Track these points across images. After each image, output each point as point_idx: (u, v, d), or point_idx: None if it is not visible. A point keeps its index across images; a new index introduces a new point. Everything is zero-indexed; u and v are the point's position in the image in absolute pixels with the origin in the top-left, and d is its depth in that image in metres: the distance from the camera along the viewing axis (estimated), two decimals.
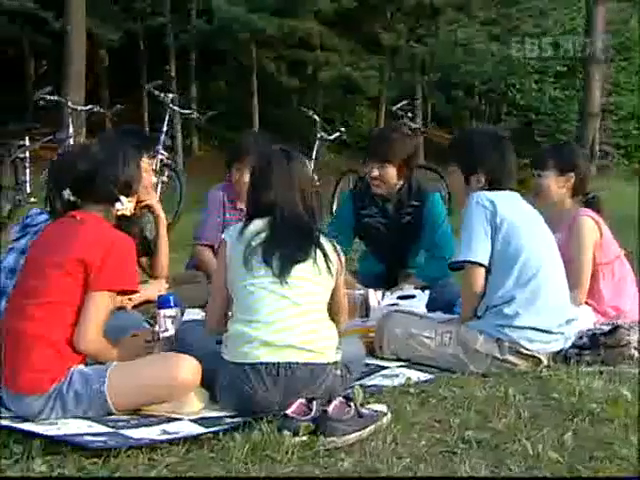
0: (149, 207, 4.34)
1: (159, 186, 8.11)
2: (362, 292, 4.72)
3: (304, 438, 2.82)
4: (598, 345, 3.89)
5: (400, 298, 4.68)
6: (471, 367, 3.73)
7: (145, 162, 4.08)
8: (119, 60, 18.35)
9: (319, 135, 8.92)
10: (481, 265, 3.78)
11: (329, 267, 3.34)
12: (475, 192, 3.90)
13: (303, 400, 3.00)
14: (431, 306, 4.47)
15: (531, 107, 20.89)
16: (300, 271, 3.28)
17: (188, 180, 8.33)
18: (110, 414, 3.10)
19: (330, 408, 2.93)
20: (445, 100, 20.37)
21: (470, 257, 3.79)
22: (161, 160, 8.10)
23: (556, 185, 4.52)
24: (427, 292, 4.60)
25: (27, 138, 8.06)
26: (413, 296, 4.70)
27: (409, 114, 9.30)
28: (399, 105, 9.34)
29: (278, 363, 3.15)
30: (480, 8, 18.87)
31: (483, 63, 17.89)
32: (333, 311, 3.41)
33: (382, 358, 3.96)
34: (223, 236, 3.49)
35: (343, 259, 3.48)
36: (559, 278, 3.90)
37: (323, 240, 3.39)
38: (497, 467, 2.62)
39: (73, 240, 3.26)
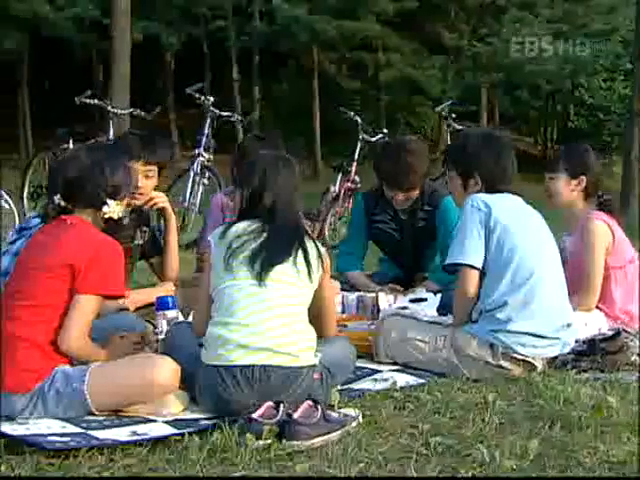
0: (162, 209, 4.41)
1: (200, 188, 8.20)
2: (373, 295, 4.73)
3: (268, 441, 2.82)
4: (596, 351, 3.81)
5: (412, 301, 4.67)
6: (464, 372, 3.69)
7: (141, 166, 4.17)
8: (184, 64, 18.61)
9: (361, 137, 8.93)
10: (474, 268, 3.74)
11: (309, 270, 3.34)
12: (472, 195, 3.87)
13: (271, 403, 3.01)
14: (442, 310, 4.43)
15: (600, 106, 20.56)
16: (279, 273, 3.29)
17: None
18: (90, 414, 3.15)
19: (297, 412, 2.94)
20: (510, 100, 20.14)
21: (462, 259, 3.76)
22: (201, 162, 8.19)
23: (567, 188, 4.44)
24: (439, 295, 4.57)
25: (71, 141, 8.24)
26: (425, 299, 4.68)
27: (452, 115, 9.23)
28: (442, 106, 9.28)
29: (253, 366, 3.16)
30: (545, 6, 18.62)
31: (547, 62, 17.59)
32: (314, 315, 3.41)
33: (379, 362, 3.95)
34: (209, 239, 3.53)
35: (328, 264, 3.48)
36: (556, 282, 3.83)
37: (308, 244, 3.39)
38: (448, 473, 2.59)
39: (61, 243, 3.31)
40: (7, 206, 7.26)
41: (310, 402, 3.01)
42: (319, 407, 2.98)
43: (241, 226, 3.40)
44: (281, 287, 3.28)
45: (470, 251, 3.75)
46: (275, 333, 3.21)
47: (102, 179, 3.40)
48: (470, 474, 2.57)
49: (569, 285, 4.29)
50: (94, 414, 3.15)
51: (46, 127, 16.02)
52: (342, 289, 4.91)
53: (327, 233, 8.66)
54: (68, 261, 3.24)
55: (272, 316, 3.23)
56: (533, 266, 3.73)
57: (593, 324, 4.20)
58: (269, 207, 3.40)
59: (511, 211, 3.84)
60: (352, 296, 4.78)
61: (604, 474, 2.56)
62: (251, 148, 4.79)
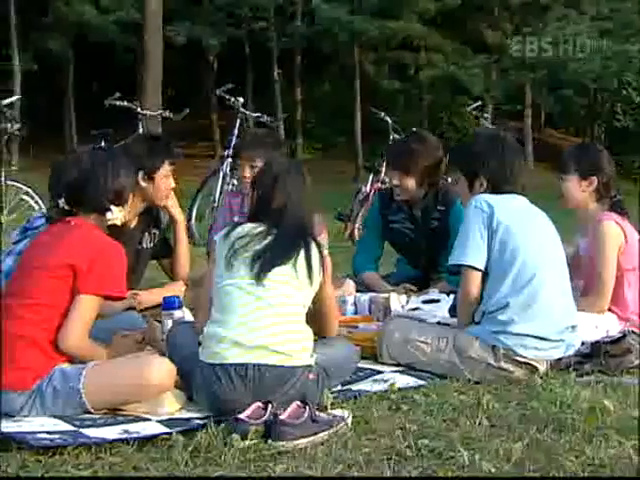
0: (167, 210, 4.46)
1: (229, 189, 8.23)
2: (385, 295, 4.72)
3: (253, 441, 2.84)
4: (600, 354, 3.77)
5: (425, 302, 4.65)
6: (466, 374, 3.67)
7: (165, 169, 4.26)
8: (227, 65, 18.73)
9: (392, 137, 8.94)
10: (476, 269, 3.72)
11: (310, 273, 3.36)
12: (476, 196, 3.85)
13: (260, 403, 3.03)
14: (454, 311, 4.40)
15: None
16: (277, 274, 3.31)
17: None
18: (87, 412, 3.19)
19: (285, 412, 2.95)
20: (555, 99, 19.91)
21: (464, 260, 3.75)
22: (230, 163, 8.23)
23: (578, 188, 4.39)
24: (452, 296, 4.54)
25: (103, 143, 8.32)
26: (438, 300, 4.66)
27: (485, 115, 9.21)
28: (472, 106, 9.25)
29: (247, 364, 3.18)
30: (590, 3, 18.38)
31: (592, 60, 17.35)
32: (315, 316, 3.42)
33: (382, 363, 3.94)
34: (215, 238, 3.57)
35: (329, 269, 3.49)
36: (559, 284, 3.79)
37: (312, 247, 3.41)
38: (426, 475, 2.59)
39: (63, 243, 3.36)
40: (37, 207, 7.38)
41: (299, 403, 3.03)
42: (307, 408, 2.99)
43: (246, 228, 3.43)
44: (279, 287, 3.29)
45: (472, 252, 3.73)
46: (270, 332, 3.23)
47: (105, 184, 3.44)
48: (448, 476, 2.57)
49: (583, 287, 4.28)
50: (91, 412, 3.20)
51: (92, 129, 16.26)
52: (357, 290, 4.91)
53: (357, 233, 8.67)
54: (70, 261, 3.28)
55: (268, 315, 3.25)
56: (536, 267, 3.70)
57: (603, 326, 4.15)
58: (278, 210, 3.44)
59: (515, 212, 3.81)
60: (365, 297, 4.76)
61: (581, 475, 2.54)
62: (247, 143, 4.88)
